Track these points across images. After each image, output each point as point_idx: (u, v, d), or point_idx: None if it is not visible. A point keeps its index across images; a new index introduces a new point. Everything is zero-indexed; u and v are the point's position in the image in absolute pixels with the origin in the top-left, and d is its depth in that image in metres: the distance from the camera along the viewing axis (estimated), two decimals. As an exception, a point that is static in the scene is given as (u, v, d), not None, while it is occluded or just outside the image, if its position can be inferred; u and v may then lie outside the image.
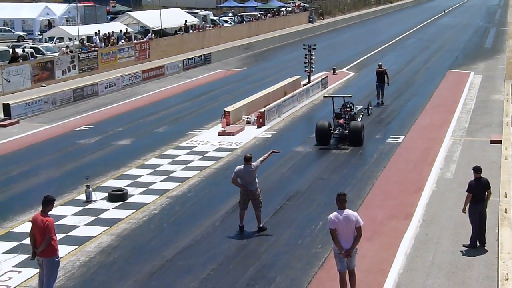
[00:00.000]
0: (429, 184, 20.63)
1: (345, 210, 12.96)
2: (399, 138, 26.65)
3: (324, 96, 29.55)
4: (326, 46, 58.31)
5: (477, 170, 15.74)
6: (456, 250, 15.58)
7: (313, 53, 37.97)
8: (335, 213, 12.95)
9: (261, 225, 17.05)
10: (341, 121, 25.97)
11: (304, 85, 37.15)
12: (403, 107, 33.39)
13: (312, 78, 38.54)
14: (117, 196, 19.69)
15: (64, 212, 18.65)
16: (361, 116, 28.00)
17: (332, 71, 43.88)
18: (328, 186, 20.89)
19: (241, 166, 16.89)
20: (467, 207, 15.62)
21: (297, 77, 38.19)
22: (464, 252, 15.44)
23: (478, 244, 15.61)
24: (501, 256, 13.79)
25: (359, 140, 25.24)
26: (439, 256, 15.29)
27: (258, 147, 26.00)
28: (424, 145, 25.50)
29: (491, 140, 25.45)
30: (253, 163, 16.82)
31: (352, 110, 26.77)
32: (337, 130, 25.81)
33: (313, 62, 38.15)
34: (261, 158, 17.18)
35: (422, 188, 20.19)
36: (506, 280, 12.52)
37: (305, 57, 38.07)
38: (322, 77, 39.46)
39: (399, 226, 17.03)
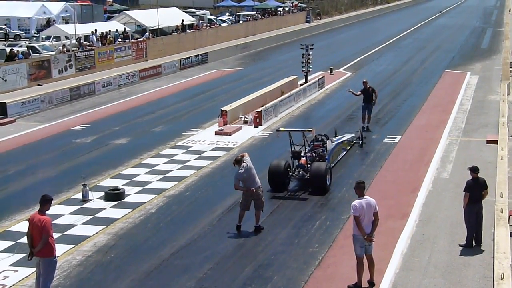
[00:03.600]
0: (425, 184, 20.67)
1: (365, 197, 13.71)
2: (395, 138, 26.68)
3: (277, 130, 22.81)
4: (323, 46, 58.35)
5: (474, 170, 15.78)
6: (452, 249, 15.62)
7: (310, 53, 38.04)
8: (358, 200, 13.63)
9: (258, 225, 17.07)
10: (303, 160, 20.80)
11: (301, 85, 37.16)
12: (399, 107, 33.43)
13: (309, 78, 38.59)
14: (114, 195, 19.68)
15: (60, 211, 18.64)
16: (348, 147, 24.49)
17: (329, 71, 43.91)
18: (324, 185, 20.87)
19: (241, 170, 16.82)
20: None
21: (294, 77, 38.19)
22: (460, 251, 15.47)
23: (474, 244, 15.65)
24: (497, 256, 13.82)
25: (322, 187, 19.88)
26: (436, 256, 15.32)
27: (255, 146, 26.03)
28: (420, 145, 25.53)
29: (487, 140, 25.50)
30: (243, 164, 16.75)
31: (325, 146, 22.03)
32: (296, 172, 20.67)
33: (310, 62, 38.20)
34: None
35: (418, 188, 20.22)
36: (501, 279, 12.54)
37: (302, 57, 38.13)
38: (319, 77, 39.49)
39: (396, 226, 17.05)
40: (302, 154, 20.84)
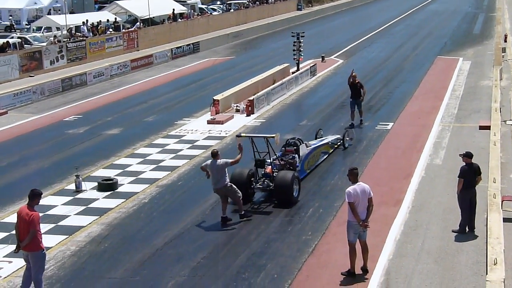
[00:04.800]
0: (418, 170, 20.71)
1: (359, 183, 13.67)
2: (388, 125, 26.70)
3: (237, 136, 20.17)
4: (314, 34, 58.26)
5: (468, 155, 15.80)
6: (445, 235, 15.67)
7: (302, 40, 38.01)
8: (352, 186, 13.57)
9: (242, 212, 17.00)
10: (268, 169, 18.72)
11: (293, 72, 37.13)
12: (392, 93, 33.44)
13: (301, 65, 38.56)
14: (107, 186, 19.68)
15: (54, 202, 18.64)
16: (331, 150, 22.78)
17: (321, 59, 43.86)
18: (317, 174, 20.91)
19: (209, 161, 16.95)
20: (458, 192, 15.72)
21: (286, 65, 38.15)
22: (453, 237, 15.52)
23: (467, 230, 15.71)
24: (489, 241, 13.86)
25: (287, 199, 17.89)
26: (429, 242, 15.37)
27: (247, 135, 25.99)
28: (413, 132, 25.57)
29: (479, 126, 25.56)
30: (220, 160, 16.69)
31: (298, 152, 19.99)
32: (261, 182, 18.54)
33: (302, 49, 38.17)
34: (231, 160, 16.86)
35: (411, 175, 20.26)
36: (494, 264, 12.59)
37: (294, 45, 38.09)
38: (311, 65, 39.45)
39: (389, 213, 17.10)
40: (268, 161, 18.85)
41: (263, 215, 17.32)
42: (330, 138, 23.01)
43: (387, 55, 47.14)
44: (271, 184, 18.22)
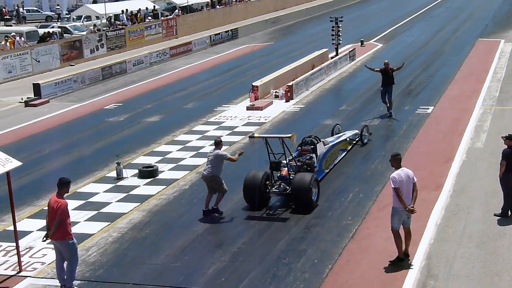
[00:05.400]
0: (459, 154, 20.50)
1: (402, 168, 13.47)
2: (428, 108, 26.45)
3: (249, 137, 18.33)
4: (353, 18, 57.86)
5: (511, 138, 15.57)
6: (487, 219, 15.51)
7: (340, 25, 37.80)
8: (397, 171, 13.37)
9: (216, 207, 16.61)
10: (284, 172, 17.35)
11: (332, 57, 36.96)
12: (432, 77, 33.08)
13: (339, 50, 38.36)
14: (148, 173, 19.84)
15: (95, 190, 18.86)
16: (350, 146, 21.30)
17: (360, 43, 43.57)
18: (357, 158, 20.84)
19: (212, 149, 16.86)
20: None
21: (324, 50, 37.99)
22: (495, 221, 15.35)
23: (510, 213, 15.51)
24: (533, 225, 13.72)
25: (306, 203, 16.54)
26: (470, 226, 15.23)
27: (286, 121, 26.03)
28: (453, 115, 25.29)
29: (522, 109, 25.22)
30: (219, 151, 16.47)
31: (316, 151, 18.64)
32: (277, 186, 17.22)
33: (340, 34, 37.99)
34: (230, 155, 16.63)
35: (452, 158, 20.07)
36: (538, 248, 12.46)
37: (332, 30, 37.91)
38: (350, 49, 39.22)
39: (430, 197, 16.96)
40: (284, 163, 17.54)
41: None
42: (348, 134, 21.48)
43: (427, 38, 46.61)
44: (288, 187, 16.93)
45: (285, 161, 17.52)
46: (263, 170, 17.17)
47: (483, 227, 15.11)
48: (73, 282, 13.09)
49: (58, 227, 12.65)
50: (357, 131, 22.11)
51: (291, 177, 17.12)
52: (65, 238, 12.75)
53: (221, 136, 23.76)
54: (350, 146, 21.34)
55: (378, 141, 22.68)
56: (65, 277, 12.97)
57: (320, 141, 19.17)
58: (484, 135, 22.45)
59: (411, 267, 13.28)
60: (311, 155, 18.40)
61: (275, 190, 17.07)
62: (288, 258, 14.20)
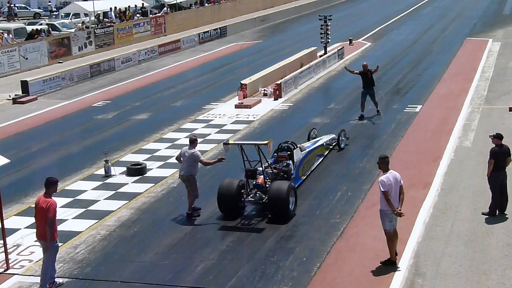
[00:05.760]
0: (447, 153, 20.56)
1: (391, 171, 13.43)
2: (416, 107, 26.51)
3: (224, 144, 17.30)
4: (342, 17, 57.92)
5: (499, 137, 15.64)
6: (475, 218, 15.56)
7: (329, 23, 37.82)
8: (386, 175, 13.31)
9: (189, 212, 16.48)
10: (260, 179, 16.64)
11: (321, 56, 36.98)
12: (420, 76, 33.16)
13: (328, 49, 38.39)
14: (136, 170, 19.82)
15: (83, 187, 18.81)
16: (326, 151, 20.73)
17: (348, 42, 43.61)
18: (345, 157, 20.87)
19: (186, 147, 16.61)
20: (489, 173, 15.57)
21: (313, 48, 38.01)
22: (483, 220, 15.41)
23: (497, 212, 15.58)
24: (520, 223, 13.78)
25: (283, 213, 15.88)
26: (458, 225, 15.28)
27: (275, 119, 26.04)
28: (442, 114, 25.36)
29: (510, 108, 25.29)
30: (194, 150, 16.23)
31: (292, 158, 17.85)
32: (252, 195, 16.53)
33: (329, 33, 37.99)
34: (205, 160, 16.54)
35: (440, 157, 20.12)
36: (525, 247, 12.52)
37: (321, 28, 37.92)
38: (339, 48, 39.25)
39: (418, 195, 17.00)
40: (260, 170, 16.77)
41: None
42: (325, 139, 20.82)
43: (416, 37, 46.72)
44: (264, 196, 16.24)
45: (260, 169, 16.76)
46: (238, 178, 16.56)
47: (471, 226, 15.16)
48: (55, 276, 13.07)
49: (52, 227, 12.61)
50: (333, 135, 21.53)
51: (267, 185, 16.42)
52: (53, 239, 12.74)
53: (209, 134, 23.84)
54: (327, 151, 20.83)
55: (366, 139, 22.72)
56: (49, 277, 12.97)
57: (297, 147, 18.46)
58: (472, 134, 22.53)
59: (397, 269, 13.26)
60: (287, 162, 17.64)
61: (250, 199, 16.40)
62: (276, 256, 14.20)
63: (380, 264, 13.44)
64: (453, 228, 15.12)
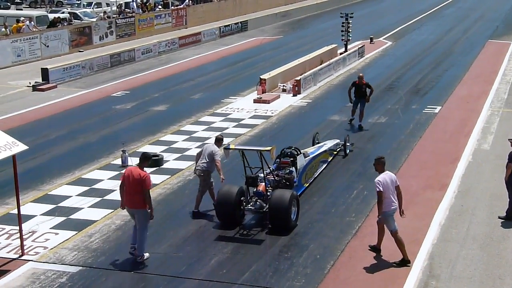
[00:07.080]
0: (465, 155, 20.44)
1: (386, 172, 13.46)
2: (436, 108, 26.38)
3: (224, 148, 16.25)
4: (364, 15, 57.74)
5: (517, 141, 15.55)
6: (491, 221, 15.46)
7: (350, 21, 37.70)
8: (381, 175, 13.33)
9: (196, 210, 16.22)
10: (261, 187, 15.76)
11: (341, 53, 36.88)
12: (440, 77, 32.98)
13: (349, 47, 38.27)
14: (153, 162, 19.77)
15: (100, 176, 18.85)
16: (330, 157, 19.94)
17: (369, 40, 43.46)
18: (363, 155, 20.78)
19: (209, 144, 16.46)
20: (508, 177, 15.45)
21: (333, 45, 37.92)
22: (499, 224, 15.31)
23: (514, 216, 15.48)
24: (537, 229, 13.67)
25: (284, 223, 15.00)
26: (474, 228, 15.18)
27: (293, 115, 26.00)
28: (461, 116, 25.21)
29: (530, 112, 25.13)
30: (215, 148, 16.00)
31: (295, 164, 17.06)
32: (252, 203, 15.63)
33: (350, 30, 37.89)
34: (220, 163, 15.86)
35: (458, 159, 20.01)
36: (541, 252, 12.42)
37: (342, 26, 37.81)
38: (359, 46, 39.13)
39: (434, 197, 16.93)
40: (261, 177, 15.83)
41: (306, 196, 17.25)
42: (329, 144, 20.04)
43: (437, 38, 46.47)
44: (265, 205, 15.43)
45: (262, 175, 15.82)
46: (238, 185, 15.72)
47: (487, 229, 15.07)
48: (144, 252, 13.71)
49: (149, 197, 13.40)
50: (338, 140, 20.81)
51: (268, 193, 15.63)
52: (145, 207, 13.44)
53: (227, 128, 23.84)
54: (331, 157, 20.06)
55: (384, 139, 22.63)
56: (137, 246, 13.68)
57: (301, 153, 17.65)
58: (491, 137, 22.39)
59: (408, 265, 13.24)
60: (290, 168, 16.87)
61: (250, 207, 15.52)
62: (290, 252, 14.18)
63: (394, 265, 13.40)
64: (469, 231, 15.03)
